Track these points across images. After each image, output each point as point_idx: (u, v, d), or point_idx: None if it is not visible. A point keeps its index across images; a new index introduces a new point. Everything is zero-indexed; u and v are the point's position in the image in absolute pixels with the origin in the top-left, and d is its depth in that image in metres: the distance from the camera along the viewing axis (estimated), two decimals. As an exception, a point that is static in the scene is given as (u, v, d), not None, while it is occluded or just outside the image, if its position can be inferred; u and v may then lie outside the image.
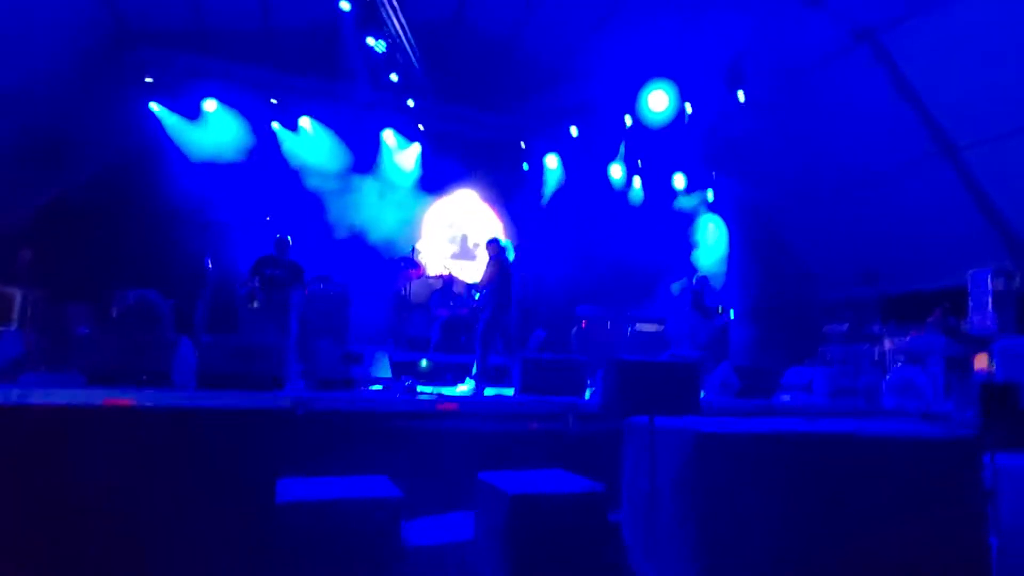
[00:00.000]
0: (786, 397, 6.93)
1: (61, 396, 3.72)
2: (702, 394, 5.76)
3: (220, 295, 7.13)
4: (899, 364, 8.49)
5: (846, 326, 10.02)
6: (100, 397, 3.70)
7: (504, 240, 7.17)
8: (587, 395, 5.56)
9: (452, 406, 4.55)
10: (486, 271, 6.48)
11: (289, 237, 6.99)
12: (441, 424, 4.43)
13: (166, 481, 3.58)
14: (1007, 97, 7.48)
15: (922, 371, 7.58)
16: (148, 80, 8.82)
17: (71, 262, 7.84)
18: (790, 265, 11.23)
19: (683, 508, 3.04)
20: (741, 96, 8.81)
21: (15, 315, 6.57)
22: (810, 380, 7.16)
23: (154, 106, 8.97)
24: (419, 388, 5.14)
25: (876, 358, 9.15)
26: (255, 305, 6.59)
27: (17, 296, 6.66)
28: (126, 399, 3.75)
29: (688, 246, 11.43)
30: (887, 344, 9.04)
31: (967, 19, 7.16)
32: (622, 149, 11.01)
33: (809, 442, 3.18)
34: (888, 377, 7.00)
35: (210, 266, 6.37)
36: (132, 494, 3.50)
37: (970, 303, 7.96)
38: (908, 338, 8.62)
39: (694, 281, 8.36)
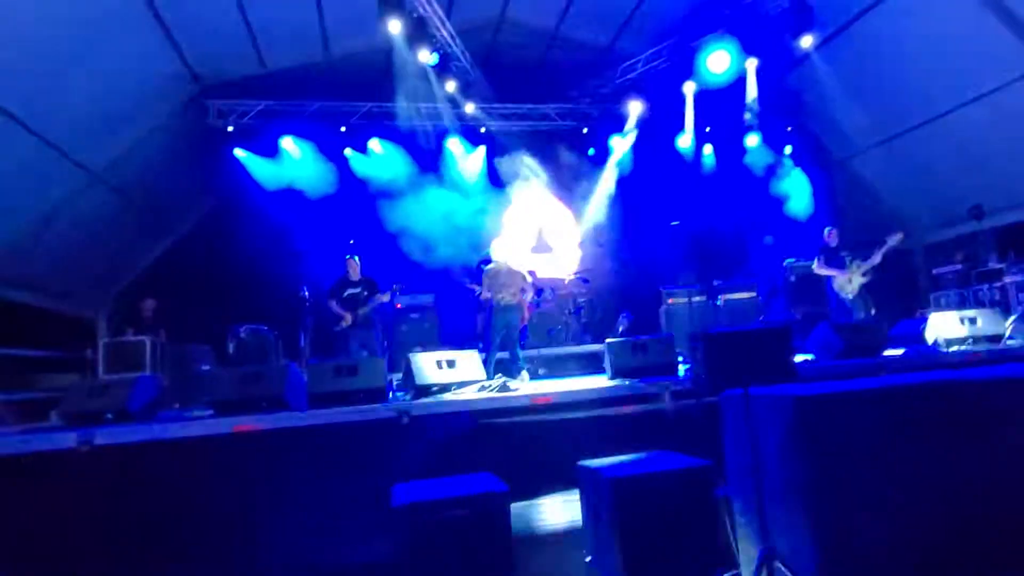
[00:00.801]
0: (899, 352, 6.53)
1: (196, 428, 4.15)
2: (801, 358, 5.56)
3: (319, 320, 7.61)
4: (1024, 300, 7.79)
5: (959, 266, 9.26)
6: (229, 426, 4.09)
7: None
8: (681, 373, 5.49)
9: (547, 399, 4.65)
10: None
11: (356, 257, 7.43)
12: (539, 417, 4.54)
13: (291, 495, 3.91)
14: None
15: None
16: (229, 129, 9.52)
17: (187, 306, 8.61)
18: (883, 211, 10.50)
19: (790, 477, 2.97)
20: (808, 41, 8.34)
21: (147, 360, 7.31)
22: (922, 330, 6.70)
23: (238, 152, 9.67)
24: (512, 384, 5.28)
25: (998, 297, 8.40)
26: (344, 325, 7.02)
27: (147, 343, 7.40)
28: (250, 424, 4.11)
29: (770, 206, 10.96)
30: (1008, 279, 8.29)
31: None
32: (689, 118, 10.69)
33: (918, 394, 3.00)
34: (1016, 314, 6.44)
35: (307, 294, 6.85)
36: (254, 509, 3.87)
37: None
38: (1032, 271, 7.88)
39: (826, 235, 7.76)
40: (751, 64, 9.36)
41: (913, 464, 2.89)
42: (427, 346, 8.50)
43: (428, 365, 5.23)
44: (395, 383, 5.92)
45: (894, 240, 7.22)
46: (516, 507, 3.33)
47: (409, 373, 5.18)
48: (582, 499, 3.58)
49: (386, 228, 9.79)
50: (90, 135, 7.63)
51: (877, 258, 7.30)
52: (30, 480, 3.77)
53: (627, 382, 5.09)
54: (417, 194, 10.30)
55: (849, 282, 7.42)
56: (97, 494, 3.79)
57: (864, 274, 7.36)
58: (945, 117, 8.91)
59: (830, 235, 7.74)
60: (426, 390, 5.02)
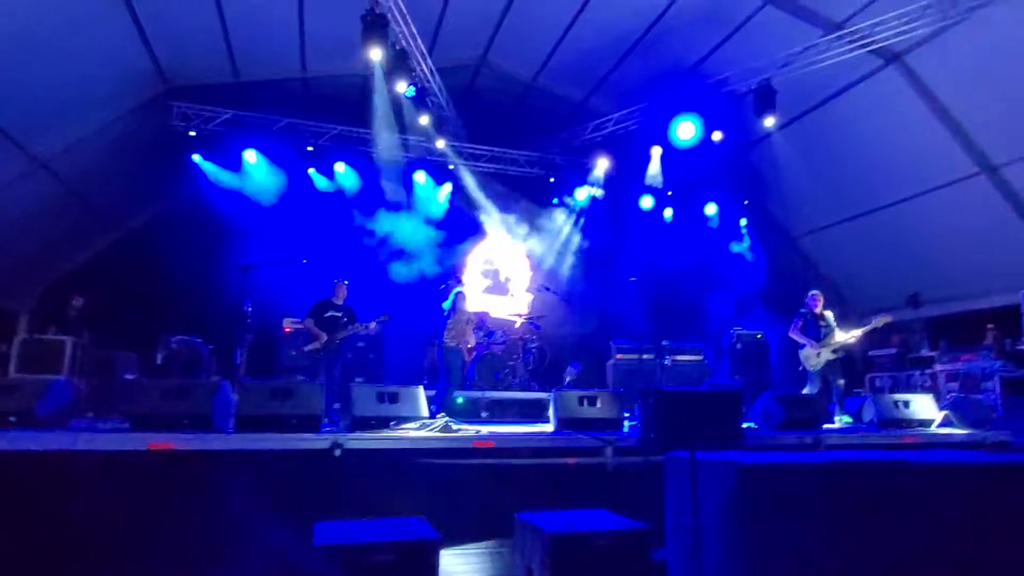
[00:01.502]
0: (837, 422, 6.68)
1: (106, 441, 3.82)
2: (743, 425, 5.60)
3: (259, 338, 7.29)
4: (953, 389, 8.13)
5: (893, 351, 9.65)
6: (144, 442, 3.78)
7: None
8: (625, 428, 5.44)
9: (488, 443, 4.51)
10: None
11: (346, 282, 7.21)
12: (479, 460, 4.38)
13: (205, 522, 3.61)
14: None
15: (978, 395, 7.25)
16: (192, 133, 9.23)
17: (120, 310, 8.14)
18: (827, 291, 10.96)
19: (730, 544, 2.93)
20: (770, 122, 8.75)
21: (65, 362, 6.81)
22: (859, 408, 6.89)
23: (196, 158, 9.36)
24: (454, 426, 5.10)
25: (928, 383, 8.77)
26: (318, 346, 6.72)
27: (68, 344, 6.92)
28: (167, 443, 3.82)
29: (723, 274, 11.27)
30: (938, 368, 8.67)
31: (995, 36, 7.04)
32: (653, 179, 10.98)
33: (858, 471, 3.04)
34: (943, 403, 6.69)
35: (249, 310, 6.55)
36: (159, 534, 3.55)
37: (1024, 322, 7.63)
38: (961, 362, 8.26)
39: (809, 299, 7.45)
40: (716, 136, 9.71)
41: (849, 539, 2.90)
42: (369, 377, 8.25)
43: (368, 397, 5.03)
44: (330, 413, 5.68)
45: (878, 322, 7.04)
46: (446, 554, 3.15)
47: (347, 403, 4.97)
48: (515, 551, 3.43)
49: (340, 252, 9.57)
50: (42, 119, 7.29)
51: (853, 337, 7.16)
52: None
53: (571, 434, 5.00)
54: (376, 223, 10.18)
55: (817, 356, 7.20)
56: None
57: (835, 351, 7.17)
58: (891, 208, 9.44)
59: (814, 300, 7.45)
60: (364, 423, 4.81)
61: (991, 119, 7.77)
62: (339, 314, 6.98)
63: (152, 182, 10.01)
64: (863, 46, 7.66)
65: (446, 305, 7.18)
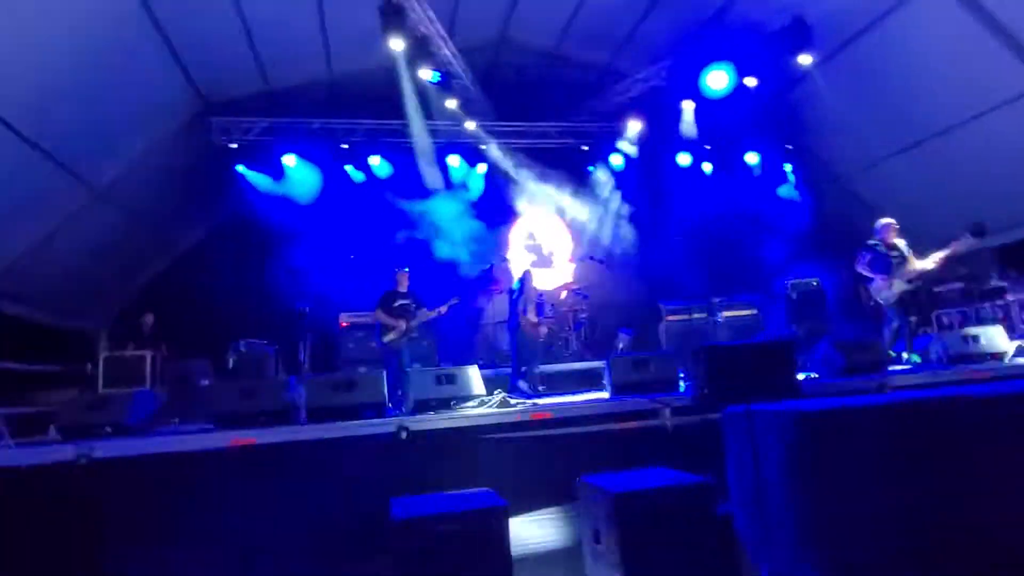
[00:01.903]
0: (901, 365, 6.50)
1: (193, 441, 4.13)
2: (803, 375, 5.53)
3: (319, 335, 7.60)
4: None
5: (960, 285, 9.24)
6: (226, 439, 4.07)
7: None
8: (681, 389, 5.47)
9: (546, 414, 4.62)
10: None
11: (406, 269, 7.40)
12: (538, 432, 4.51)
13: (289, 509, 3.88)
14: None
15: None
16: (232, 146, 9.58)
17: (188, 321, 8.61)
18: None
19: (791, 493, 2.95)
20: (806, 60, 8.41)
21: (147, 375, 7.30)
22: (926, 348, 6.67)
23: (241, 168, 9.73)
24: (512, 400, 5.25)
25: (1000, 315, 8.39)
26: (397, 335, 6.94)
27: (147, 358, 7.39)
28: (249, 438, 4.09)
29: (771, 223, 10.99)
30: (1011, 298, 8.27)
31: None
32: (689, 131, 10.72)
33: (920, 409, 3.00)
34: (1018, 333, 6.41)
35: (306, 310, 6.85)
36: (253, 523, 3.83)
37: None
38: (1034, 287, 7.86)
39: (878, 228, 6.91)
40: (750, 82, 9.40)
41: (915, 480, 2.87)
42: (425, 363, 8.48)
43: (427, 380, 5.21)
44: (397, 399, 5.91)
45: (962, 245, 6.41)
46: (515, 522, 3.29)
47: (408, 389, 5.17)
48: (581, 515, 3.54)
49: (384, 242, 9.84)
50: (94, 153, 7.68)
51: (931, 263, 6.58)
52: (29, 492, 3.75)
53: (627, 399, 5.07)
54: (415, 210, 10.36)
55: (890, 287, 6.67)
56: (96, 506, 3.76)
57: (909, 281, 6.63)
58: (945, 134, 8.97)
59: (884, 229, 6.82)
60: (425, 405, 4.99)
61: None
62: (407, 301, 7.15)
63: (202, 197, 10.46)
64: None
65: (515, 286, 7.34)
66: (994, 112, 8.29)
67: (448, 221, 10.35)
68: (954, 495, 2.87)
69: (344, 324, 8.63)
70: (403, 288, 7.26)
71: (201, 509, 3.83)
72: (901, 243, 6.88)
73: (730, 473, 3.53)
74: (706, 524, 3.15)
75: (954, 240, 6.56)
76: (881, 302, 6.90)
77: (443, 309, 7.27)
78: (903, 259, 6.74)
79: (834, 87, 9.38)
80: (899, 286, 6.70)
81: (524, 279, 7.29)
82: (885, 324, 6.91)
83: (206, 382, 7.07)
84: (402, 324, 6.92)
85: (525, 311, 7.10)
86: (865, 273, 6.93)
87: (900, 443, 2.95)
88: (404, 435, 4.26)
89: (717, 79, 9.02)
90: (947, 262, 6.79)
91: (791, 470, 3.01)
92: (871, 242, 6.97)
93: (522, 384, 6.92)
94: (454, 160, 10.61)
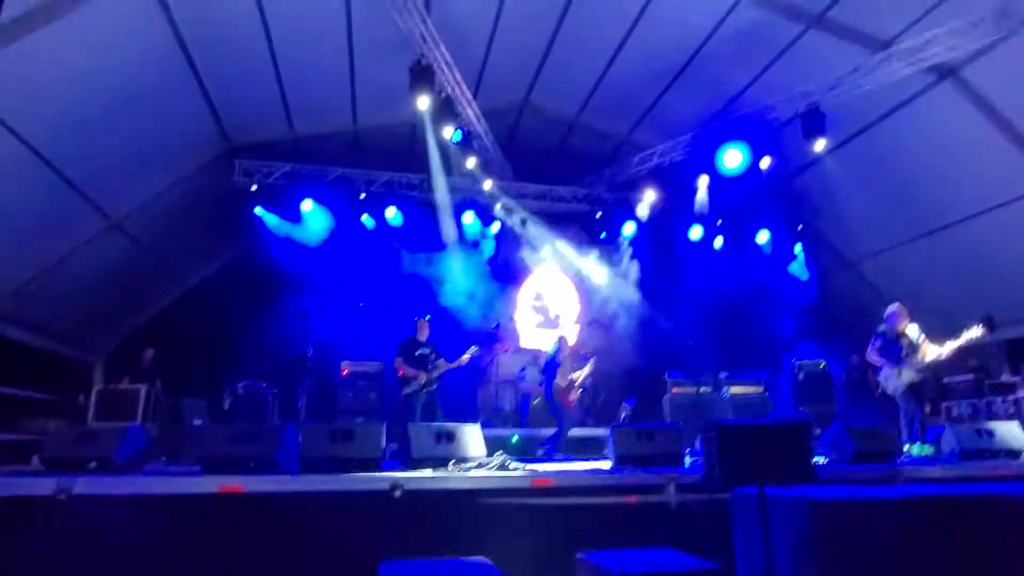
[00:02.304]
0: (914, 452, 6.30)
1: (180, 485, 3.97)
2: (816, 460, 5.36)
3: (319, 382, 7.48)
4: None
5: (971, 377, 9.10)
6: (214, 485, 3.91)
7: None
8: (687, 464, 5.30)
9: (547, 481, 4.46)
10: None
11: (428, 317, 7.40)
12: (538, 500, 4.33)
13: (273, 563, 3.68)
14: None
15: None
16: (253, 188, 9.73)
17: (188, 358, 8.51)
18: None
19: (806, 585, 2.79)
20: (820, 145, 8.59)
21: (139, 410, 7.14)
22: (936, 439, 6.49)
23: (259, 211, 9.85)
24: (512, 464, 5.07)
25: (1011, 411, 8.21)
26: (419, 384, 6.85)
27: (142, 392, 7.26)
28: (237, 485, 3.93)
29: (779, 303, 10.97)
30: (1021, 394, 8.12)
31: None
32: (701, 207, 10.86)
33: (940, 506, 2.88)
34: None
35: (311, 354, 6.76)
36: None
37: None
38: (1047, 386, 7.72)
39: (888, 314, 6.86)
40: (764, 162, 9.56)
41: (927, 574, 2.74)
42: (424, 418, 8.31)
43: (426, 437, 5.07)
44: (388, 453, 5.74)
45: (973, 335, 6.21)
46: (510, 598, 3.11)
47: (406, 444, 5.02)
48: (580, 595, 3.34)
49: (394, 294, 9.83)
50: (115, 183, 7.79)
51: (943, 352, 6.40)
52: (3, 525, 3.59)
53: (631, 471, 4.90)
54: (427, 263, 10.41)
55: (898, 376, 6.55)
56: (72, 545, 3.59)
57: (919, 370, 6.51)
58: (954, 227, 9.04)
59: (893, 317, 6.75)
60: (422, 463, 4.84)
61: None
62: (427, 351, 7.06)
63: (216, 235, 10.56)
64: (914, 63, 7.48)
65: (551, 352, 7.52)
66: (1005, 207, 8.39)
67: (458, 276, 10.37)
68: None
69: (345, 372, 8.52)
70: (423, 337, 7.18)
71: (182, 555, 3.64)
72: (913, 330, 6.75)
73: (738, 557, 3.37)
74: (714, 614, 2.95)
75: (965, 329, 6.42)
76: (889, 391, 6.77)
77: (464, 359, 7.17)
78: (914, 347, 6.62)
79: (846, 173, 9.54)
80: (908, 375, 6.58)
81: (559, 345, 7.34)
82: (902, 414, 6.72)
83: (199, 421, 6.91)
84: (422, 375, 6.83)
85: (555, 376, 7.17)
86: (875, 361, 6.82)
87: (918, 538, 2.84)
88: (398, 493, 4.10)
89: (732, 158, 9.18)
90: (958, 352, 6.63)
91: (805, 558, 2.88)
92: (881, 329, 6.87)
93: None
94: (468, 217, 10.73)
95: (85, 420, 7.24)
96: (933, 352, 6.49)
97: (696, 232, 11.21)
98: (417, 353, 6.97)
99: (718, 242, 11.37)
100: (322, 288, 9.23)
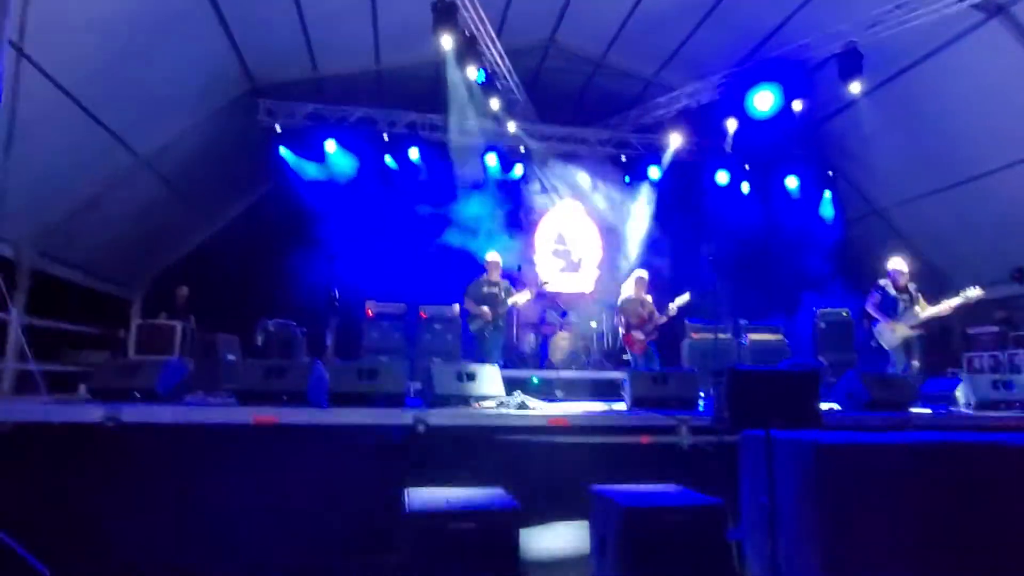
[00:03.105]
0: (927, 411, 6.35)
1: (218, 414, 4.24)
2: (827, 406, 5.46)
3: (346, 321, 7.71)
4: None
5: (995, 328, 9.02)
6: (249, 415, 4.17)
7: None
8: (700, 408, 5.44)
9: (563, 421, 4.64)
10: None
11: (498, 254, 7.68)
12: (553, 438, 4.53)
13: (305, 491, 3.97)
14: None
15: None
16: (277, 128, 9.78)
17: (220, 297, 8.81)
18: (922, 266, 10.33)
19: (806, 524, 2.94)
20: (856, 88, 8.29)
21: (176, 344, 7.49)
22: (953, 390, 6.50)
23: (283, 150, 9.92)
24: (530, 403, 5.27)
25: (1035, 363, 8.17)
26: (484, 322, 7.13)
27: (178, 328, 7.58)
28: (271, 416, 4.19)
29: (806, 250, 10.84)
30: (1048, 346, 8.06)
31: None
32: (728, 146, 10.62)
33: (944, 452, 2.98)
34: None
35: (337, 294, 6.96)
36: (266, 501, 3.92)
37: None
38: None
39: (890, 269, 7.01)
40: (797, 105, 9.28)
41: (932, 522, 2.86)
42: (447, 358, 8.55)
43: (448, 376, 5.26)
44: (413, 391, 5.98)
45: (968, 295, 6.41)
46: (525, 529, 3.32)
47: (429, 382, 5.22)
48: (591, 525, 3.56)
49: (418, 235, 9.95)
50: (143, 122, 7.88)
51: (939, 310, 6.59)
52: (53, 449, 3.89)
53: (646, 412, 5.06)
54: (451, 204, 10.45)
55: (892, 331, 6.77)
56: (118, 470, 3.88)
57: (913, 327, 6.69)
58: (990, 176, 8.77)
59: (896, 272, 6.93)
60: (444, 400, 5.04)
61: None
62: (496, 290, 7.36)
63: (242, 175, 10.69)
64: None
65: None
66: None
67: (480, 218, 10.41)
68: (970, 540, 2.85)
69: (370, 313, 8.74)
70: (494, 276, 7.45)
71: (219, 483, 3.93)
72: (912, 286, 6.90)
73: (743, 497, 3.53)
74: (715, 547, 3.14)
75: (964, 289, 6.54)
76: (884, 345, 6.92)
77: (526, 295, 7.54)
78: (911, 303, 6.75)
79: (880, 118, 9.23)
80: (902, 331, 6.72)
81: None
82: (890, 367, 6.88)
83: (232, 357, 7.22)
84: (487, 312, 7.08)
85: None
86: (872, 313, 6.96)
87: (920, 483, 2.95)
88: (422, 428, 4.32)
89: (763, 100, 8.92)
90: (961, 312, 6.73)
91: (807, 500, 3.00)
92: (881, 282, 6.99)
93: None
94: (492, 159, 10.68)
95: (126, 353, 7.61)
96: (929, 311, 6.61)
97: (723, 177, 11.03)
98: (485, 291, 7.26)
99: (745, 187, 11.18)
100: (346, 227, 9.36)
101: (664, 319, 7.73)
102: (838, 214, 11.08)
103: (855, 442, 3.05)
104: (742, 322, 9.11)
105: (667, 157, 10.90)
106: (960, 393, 5.97)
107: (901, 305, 6.79)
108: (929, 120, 8.98)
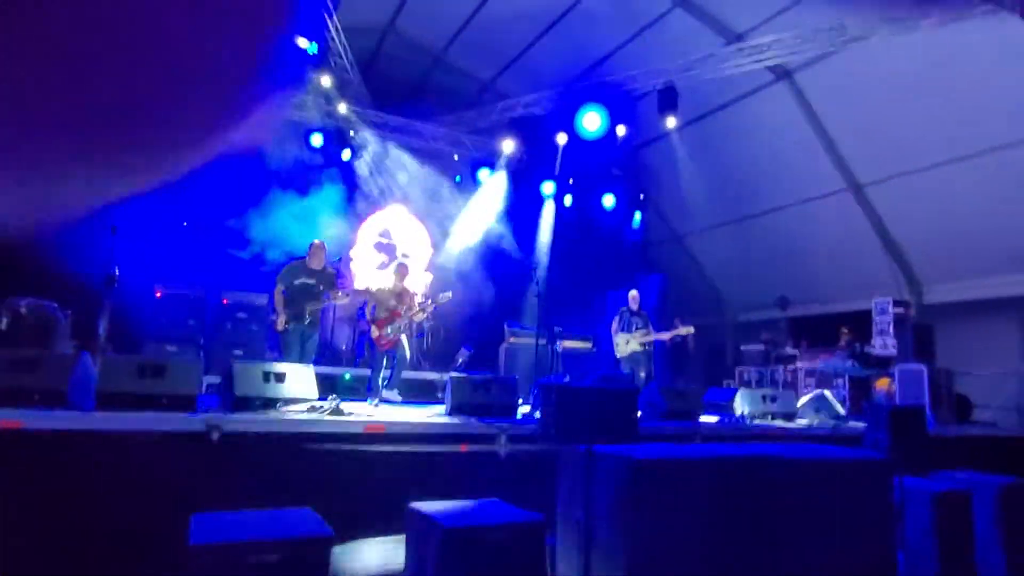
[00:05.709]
0: (713, 419, 7.10)
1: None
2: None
3: (125, 305, 6.57)
4: (810, 385, 8.99)
5: (761, 347, 10.50)
6: (-17, 420, 3.29)
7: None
8: (519, 415, 5.50)
9: (380, 428, 4.37)
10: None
11: (325, 242, 6.28)
12: (370, 447, 4.24)
13: (56, 514, 3.21)
14: (907, 137, 8.13)
15: (831, 391, 8.06)
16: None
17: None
18: (705, 288, 11.72)
19: (618, 535, 3.04)
20: (671, 122, 9.09)
21: None
22: (730, 401, 7.38)
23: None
24: (346, 408, 4.90)
25: (789, 379, 9.62)
26: (307, 322, 5.89)
27: None
28: (12, 421, 3.35)
29: (615, 264, 11.67)
30: (799, 365, 9.54)
31: (870, 66, 7.73)
32: (557, 165, 11.07)
33: (737, 466, 3.30)
34: (803, 397, 7.38)
35: (116, 273, 5.78)
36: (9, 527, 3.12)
37: (874, 328, 8.53)
38: (819, 360, 9.15)
39: (629, 298, 8.31)
40: (620, 130, 9.94)
41: (729, 529, 3.13)
42: (249, 351, 7.74)
43: (252, 375, 4.68)
44: (206, 387, 5.28)
45: (682, 330, 8.03)
46: (338, 547, 3.02)
47: (228, 382, 4.61)
48: (408, 543, 3.36)
49: (220, 219, 8.86)
50: None
51: (660, 336, 8.13)
52: None
53: (465, 419, 4.98)
54: (262, 190, 9.50)
55: (626, 344, 8.06)
56: None
57: (641, 344, 8.01)
58: (768, 214, 10.20)
59: (631, 299, 8.34)
60: (246, 403, 4.48)
61: (861, 141, 8.57)
62: (312, 281, 5.94)
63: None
64: (759, 60, 8.13)
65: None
66: (806, 204, 9.61)
67: (299, 207, 9.62)
68: (761, 543, 3.17)
69: (159, 294, 7.62)
70: (315, 264, 6.07)
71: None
72: (643, 314, 8.36)
73: (560, 507, 3.58)
74: (535, 562, 3.12)
75: (680, 324, 8.16)
76: (618, 355, 8.23)
77: (341, 297, 6.25)
78: (645, 325, 8.16)
79: (685, 152, 10.28)
80: (632, 346, 8.08)
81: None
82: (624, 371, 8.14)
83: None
84: (282, 313, 5.91)
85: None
86: (613, 330, 8.29)
87: (720, 493, 3.22)
88: (216, 436, 3.76)
89: (592, 120, 9.41)
90: (672, 339, 8.40)
91: (621, 511, 3.12)
92: (623, 308, 8.39)
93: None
94: (317, 140, 9.93)
95: None
96: (652, 335, 8.13)
97: (548, 188, 11.47)
98: (299, 282, 5.88)
99: (568, 200, 11.75)
100: (136, 202, 8.03)
101: (423, 315, 7.27)
102: (644, 234, 12.11)
103: (665, 457, 3.24)
104: (557, 329, 9.49)
105: (501, 162, 11.04)
106: (737, 404, 6.79)
107: (636, 325, 8.16)
108: (720, 161, 10.21)
